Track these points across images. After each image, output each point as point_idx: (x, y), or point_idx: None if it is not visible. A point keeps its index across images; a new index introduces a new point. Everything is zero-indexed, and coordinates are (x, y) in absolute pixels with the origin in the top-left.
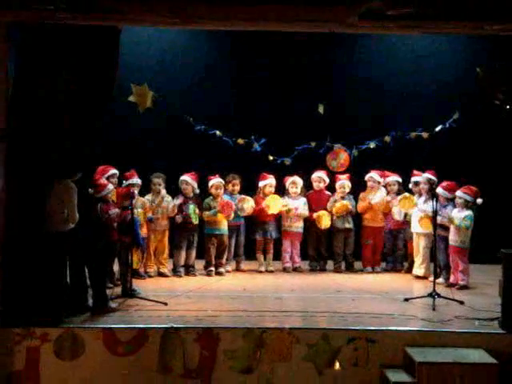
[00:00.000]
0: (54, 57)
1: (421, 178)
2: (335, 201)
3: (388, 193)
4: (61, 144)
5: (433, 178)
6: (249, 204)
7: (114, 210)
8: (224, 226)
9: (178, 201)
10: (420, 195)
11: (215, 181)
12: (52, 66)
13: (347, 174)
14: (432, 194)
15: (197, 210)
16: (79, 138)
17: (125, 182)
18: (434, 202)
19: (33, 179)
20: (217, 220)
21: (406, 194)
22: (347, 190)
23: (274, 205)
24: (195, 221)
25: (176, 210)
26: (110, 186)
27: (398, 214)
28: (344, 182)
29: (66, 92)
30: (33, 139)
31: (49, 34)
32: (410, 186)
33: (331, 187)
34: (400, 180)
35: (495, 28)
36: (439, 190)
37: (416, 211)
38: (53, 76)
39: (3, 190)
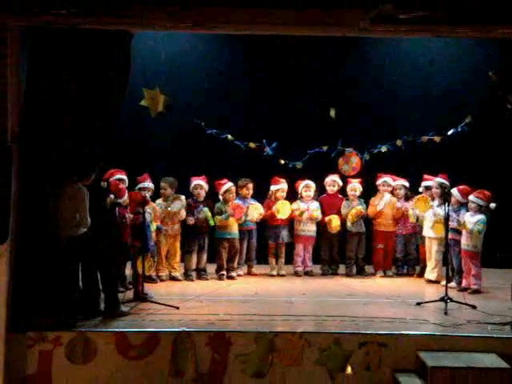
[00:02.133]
0: (64, 60)
1: (432, 182)
2: (349, 206)
3: (395, 197)
4: (65, 144)
5: (445, 182)
6: (258, 211)
7: (129, 214)
8: (235, 230)
9: (183, 204)
10: (432, 199)
11: (228, 185)
12: (62, 69)
13: (359, 179)
14: (444, 198)
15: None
16: (84, 138)
17: (137, 186)
18: (446, 206)
19: (43, 182)
20: (228, 224)
21: (422, 195)
22: (358, 193)
23: (283, 210)
24: (212, 222)
25: (185, 214)
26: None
27: (413, 216)
28: (355, 185)
29: (77, 93)
30: (43, 141)
31: (59, 37)
32: (420, 189)
33: (344, 190)
34: (407, 184)
35: (507, 32)
36: (454, 191)
37: (429, 216)
38: (63, 78)
39: (16, 193)
